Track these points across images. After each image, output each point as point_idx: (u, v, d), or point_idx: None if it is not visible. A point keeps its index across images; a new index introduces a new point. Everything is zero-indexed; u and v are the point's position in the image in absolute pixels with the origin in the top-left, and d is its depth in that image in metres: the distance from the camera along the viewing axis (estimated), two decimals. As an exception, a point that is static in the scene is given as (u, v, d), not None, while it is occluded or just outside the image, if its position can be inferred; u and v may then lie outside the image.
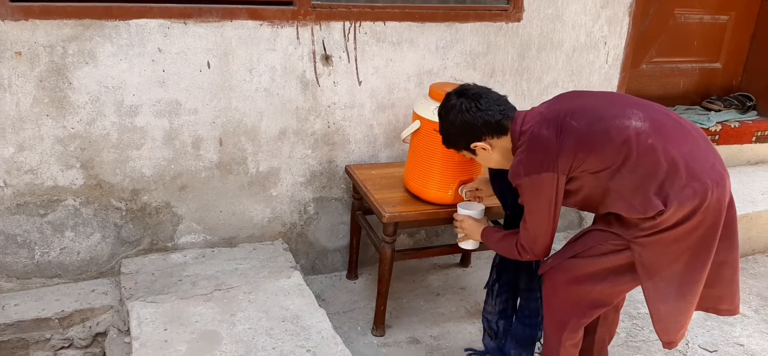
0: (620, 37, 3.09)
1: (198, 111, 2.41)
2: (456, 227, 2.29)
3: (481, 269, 3.05)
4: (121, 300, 2.33)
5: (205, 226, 2.61)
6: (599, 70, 3.11)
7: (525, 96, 2.98)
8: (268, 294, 2.32)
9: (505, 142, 1.94)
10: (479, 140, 1.95)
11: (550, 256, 2.01)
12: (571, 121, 1.78)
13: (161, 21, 2.24)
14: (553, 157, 1.77)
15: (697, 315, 2.86)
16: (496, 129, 1.93)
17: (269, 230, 2.72)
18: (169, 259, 2.52)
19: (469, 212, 2.25)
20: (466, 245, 2.31)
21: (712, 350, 2.62)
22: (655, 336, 2.67)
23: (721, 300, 1.89)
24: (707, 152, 1.77)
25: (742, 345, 2.68)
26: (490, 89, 2.00)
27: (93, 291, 2.41)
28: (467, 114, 1.92)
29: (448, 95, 2.01)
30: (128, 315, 2.19)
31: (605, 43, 3.06)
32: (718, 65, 3.85)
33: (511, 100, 2.03)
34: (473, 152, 2.00)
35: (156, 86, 2.32)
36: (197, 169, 2.50)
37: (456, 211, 2.28)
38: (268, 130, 2.55)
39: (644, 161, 1.71)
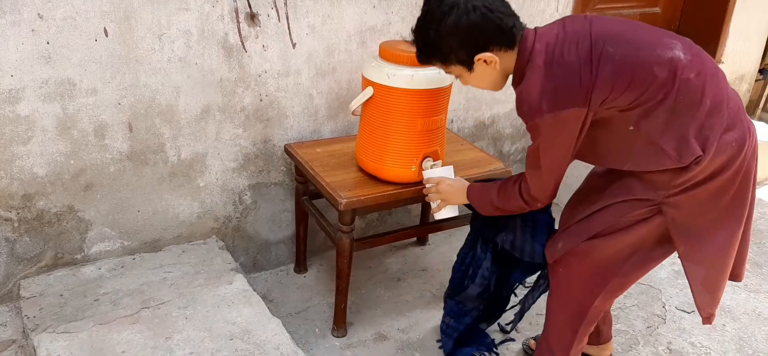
0: (571, -18, 2.87)
1: (98, 91, 1.96)
2: (428, 195, 1.97)
3: (440, 245, 2.79)
4: (24, 331, 1.89)
5: (120, 230, 2.17)
6: (550, 18, 2.88)
7: (476, 51, 2.70)
8: (208, 306, 1.93)
9: (510, 58, 1.57)
10: (486, 51, 1.54)
11: (559, 240, 1.72)
12: (606, 47, 1.45)
13: (38, -21, 1.77)
14: (585, 89, 1.44)
15: (667, 273, 2.73)
16: (508, 40, 1.54)
17: (200, 227, 2.32)
18: (80, 274, 2.08)
19: (441, 173, 1.96)
20: (444, 213, 1.96)
21: (690, 311, 2.49)
22: (631, 301, 2.52)
23: (740, 262, 1.68)
24: (736, 96, 1.54)
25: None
26: None
27: (-12, 322, 1.96)
28: (474, 14, 1.49)
29: None
30: (35, 351, 1.75)
31: (556, -12, 2.84)
32: (657, 10, 3.73)
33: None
34: (468, 66, 1.58)
35: (40, 63, 1.85)
36: (104, 162, 2.06)
37: (423, 181, 2.00)
38: (188, 108, 2.13)
39: (685, 98, 1.44)
